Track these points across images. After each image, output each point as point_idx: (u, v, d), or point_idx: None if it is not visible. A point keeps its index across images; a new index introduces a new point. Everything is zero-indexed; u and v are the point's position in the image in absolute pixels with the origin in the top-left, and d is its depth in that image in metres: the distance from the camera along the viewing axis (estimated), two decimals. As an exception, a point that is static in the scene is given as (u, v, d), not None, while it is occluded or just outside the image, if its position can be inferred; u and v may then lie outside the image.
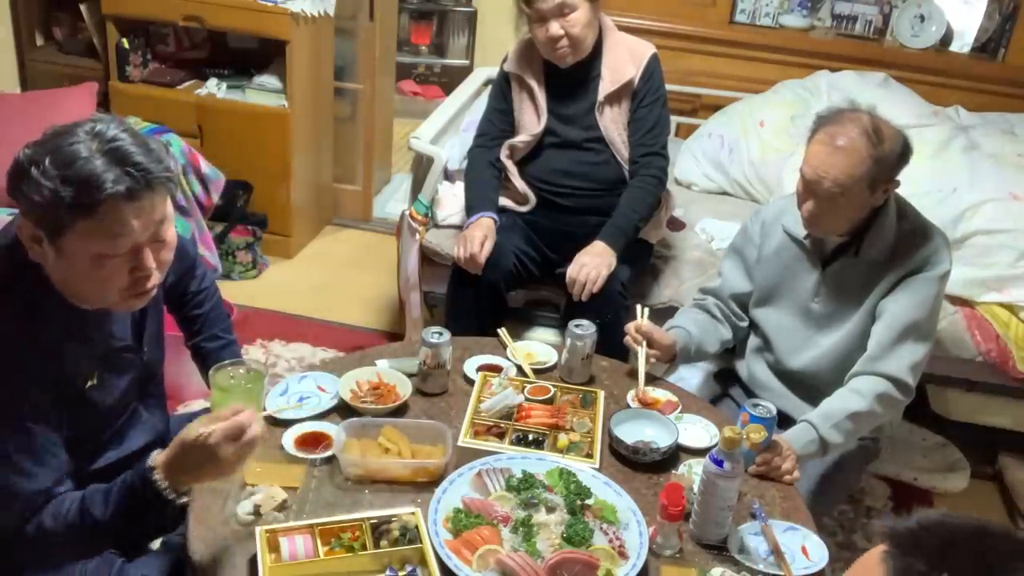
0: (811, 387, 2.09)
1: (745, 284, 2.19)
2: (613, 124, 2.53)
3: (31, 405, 1.39)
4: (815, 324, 2.09)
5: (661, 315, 2.58)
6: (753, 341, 2.21)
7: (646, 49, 2.54)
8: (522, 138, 2.58)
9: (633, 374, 2.01)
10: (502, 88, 2.62)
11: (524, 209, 2.61)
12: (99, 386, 1.52)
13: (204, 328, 1.89)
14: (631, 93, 2.52)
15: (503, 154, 2.60)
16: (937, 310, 2.00)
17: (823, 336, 2.08)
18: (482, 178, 2.60)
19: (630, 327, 2.03)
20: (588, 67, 2.51)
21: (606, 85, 2.50)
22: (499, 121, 2.63)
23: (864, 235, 1.98)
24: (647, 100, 2.51)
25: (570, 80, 2.53)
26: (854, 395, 1.93)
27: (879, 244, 1.97)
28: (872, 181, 1.87)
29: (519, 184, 2.60)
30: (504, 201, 2.62)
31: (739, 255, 2.21)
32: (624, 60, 2.51)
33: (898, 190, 2.07)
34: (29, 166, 1.32)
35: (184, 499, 1.40)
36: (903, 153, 1.90)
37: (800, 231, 2.06)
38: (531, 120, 2.57)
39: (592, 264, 2.36)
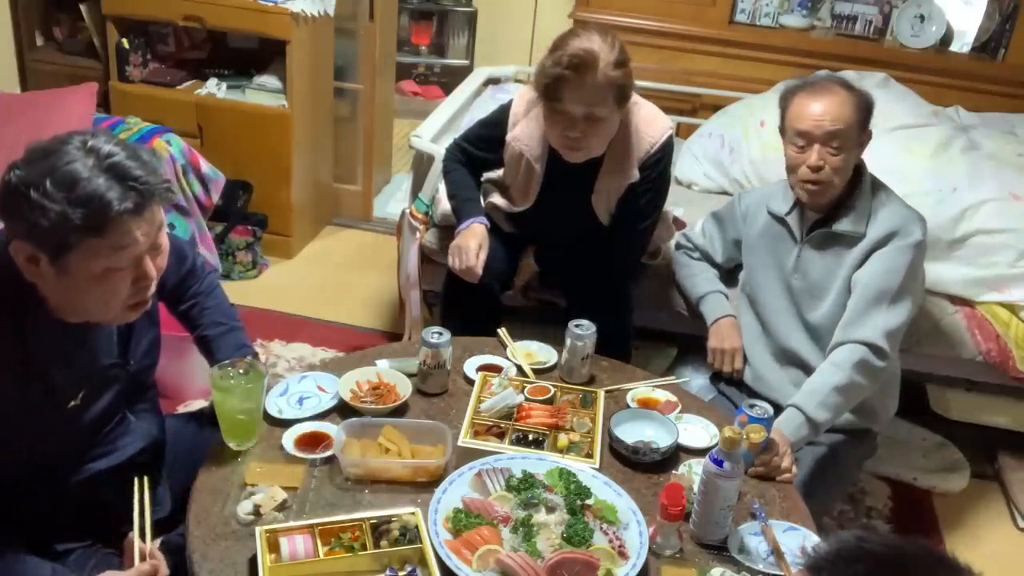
0: (810, 371, 2.11)
1: (718, 254, 2.39)
2: (604, 204, 2.40)
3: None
4: (798, 301, 2.16)
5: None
6: (751, 325, 2.26)
7: (658, 135, 2.32)
8: (509, 207, 2.49)
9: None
10: (494, 145, 2.44)
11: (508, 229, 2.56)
12: (82, 405, 1.51)
13: (205, 318, 1.86)
14: (629, 186, 2.37)
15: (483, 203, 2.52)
16: (912, 277, 2.05)
17: (807, 312, 2.14)
18: (463, 182, 2.50)
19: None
20: (594, 159, 2.32)
21: (605, 181, 2.35)
22: (479, 162, 2.51)
23: (840, 208, 2.07)
24: (642, 187, 2.36)
25: (572, 165, 2.33)
26: (833, 368, 1.98)
27: (854, 214, 2.05)
28: (860, 123, 2.01)
29: (504, 226, 2.54)
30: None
31: (720, 224, 2.37)
32: (631, 161, 2.32)
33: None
34: (27, 189, 1.29)
35: None
36: (870, 102, 2.05)
37: (783, 208, 2.16)
38: (521, 192, 2.46)
39: None
